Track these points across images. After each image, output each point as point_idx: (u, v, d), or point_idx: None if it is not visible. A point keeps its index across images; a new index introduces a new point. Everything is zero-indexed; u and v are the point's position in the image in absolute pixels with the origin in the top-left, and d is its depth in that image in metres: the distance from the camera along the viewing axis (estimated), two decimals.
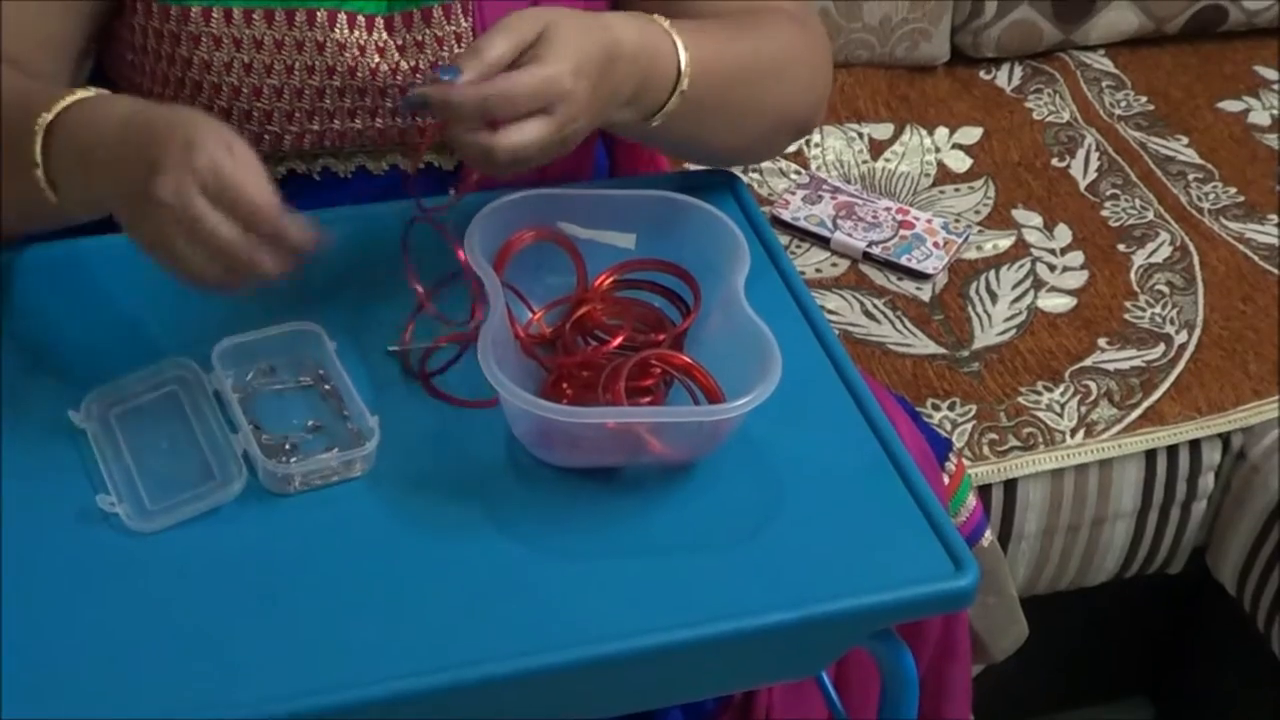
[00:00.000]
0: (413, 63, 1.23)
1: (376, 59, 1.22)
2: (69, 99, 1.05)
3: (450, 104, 1.02)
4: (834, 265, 1.80)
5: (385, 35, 1.22)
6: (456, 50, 1.23)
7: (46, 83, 1.15)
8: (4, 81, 1.11)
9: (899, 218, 1.84)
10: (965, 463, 1.54)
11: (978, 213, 1.89)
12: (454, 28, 1.23)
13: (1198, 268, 1.82)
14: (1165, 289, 1.78)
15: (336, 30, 1.21)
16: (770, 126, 1.27)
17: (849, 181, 1.92)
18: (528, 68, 1.03)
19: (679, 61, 1.14)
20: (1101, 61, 2.16)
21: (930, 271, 1.77)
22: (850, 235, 1.81)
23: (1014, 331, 1.72)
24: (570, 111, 1.04)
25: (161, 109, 1.03)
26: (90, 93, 1.07)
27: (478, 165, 1.06)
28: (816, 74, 1.28)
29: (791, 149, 1.90)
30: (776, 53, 1.23)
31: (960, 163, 1.97)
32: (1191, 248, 1.84)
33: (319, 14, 1.20)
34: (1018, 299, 1.77)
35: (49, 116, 1.04)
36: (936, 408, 1.62)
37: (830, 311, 1.72)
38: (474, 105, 1.02)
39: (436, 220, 1.11)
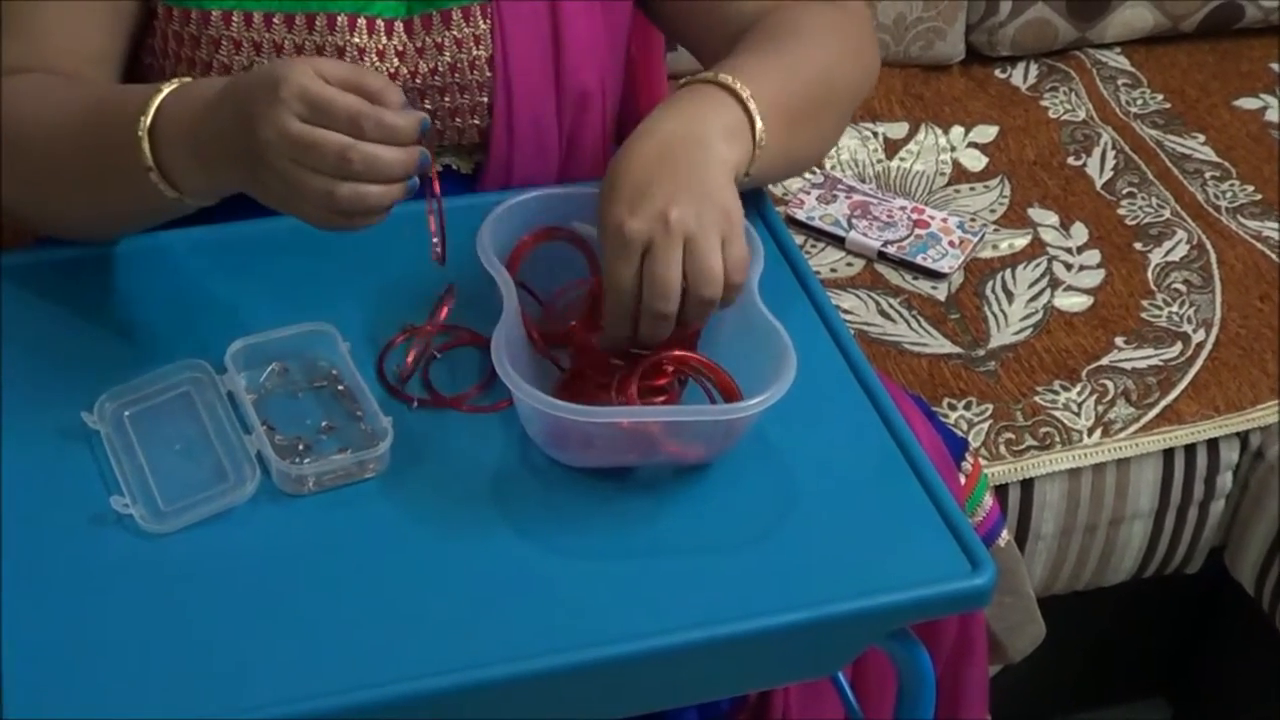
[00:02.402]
0: (432, 65, 1.23)
1: (396, 62, 1.22)
2: (158, 97, 1.06)
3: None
4: (849, 265, 1.79)
5: (405, 38, 1.22)
6: (475, 53, 1.23)
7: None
8: (91, 93, 1.14)
9: (914, 217, 1.83)
10: (982, 462, 1.53)
11: (993, 211, 1.88)
12: (473, 30, 1.23)
13: (1215, 266, 1.81)
14: (1182, 287, 1.78)
15: (356, 34, 1.21)
16: (838, 123, 1.28)
17: (864, 181, 1.91)
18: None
19: (743, 100, 1.13)
20: (1117, 59, 2.15)
21: (946, 271, 1.77)
22: (865, 234, 1.80)
23: (1030, 330, 1.72)
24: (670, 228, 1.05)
25: (251, 72, 1.03)
26: (174, 84, 1.08)
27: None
28: (862, 55, 1.28)
29: None
30: (827, 56, 1.23)
31: (976, 161, 1.96)
32: (1209, 246, 1.83)
33: (339, 18, 1.20)
34: (1034, 298, 1.76)
35: (147, 120, 1.06)
36: (953, 407, 1.62)
37: (845, 311, 1.71)
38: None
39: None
